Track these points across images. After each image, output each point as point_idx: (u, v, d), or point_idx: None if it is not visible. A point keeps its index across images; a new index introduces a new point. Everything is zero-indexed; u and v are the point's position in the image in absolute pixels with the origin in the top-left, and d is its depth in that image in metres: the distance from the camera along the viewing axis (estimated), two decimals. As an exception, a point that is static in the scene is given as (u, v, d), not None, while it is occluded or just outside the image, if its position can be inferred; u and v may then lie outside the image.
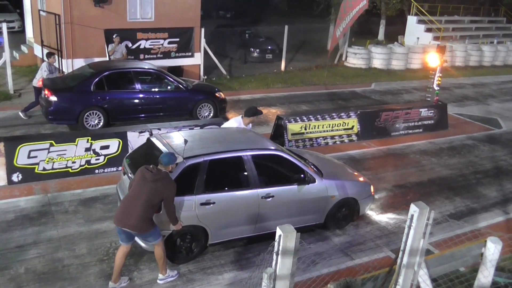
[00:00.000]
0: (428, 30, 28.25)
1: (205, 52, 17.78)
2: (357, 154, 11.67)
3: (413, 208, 4.78)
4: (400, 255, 4.93)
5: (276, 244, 3.97)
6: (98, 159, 9.45)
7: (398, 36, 29.05)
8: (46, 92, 11.29)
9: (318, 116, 11.87)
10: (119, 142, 9.59)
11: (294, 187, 7.42)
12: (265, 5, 41.69)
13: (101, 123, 11.61)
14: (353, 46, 23.55)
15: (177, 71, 16.67)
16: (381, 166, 11.07)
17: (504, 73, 24.99)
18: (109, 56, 14.75)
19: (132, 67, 12.55)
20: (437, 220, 8.71)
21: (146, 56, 16.19)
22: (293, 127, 11.42)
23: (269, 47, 22.44)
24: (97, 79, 11.60)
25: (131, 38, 15.71)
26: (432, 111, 13.69)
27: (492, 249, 5.88)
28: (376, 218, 8.64)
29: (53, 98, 11.21)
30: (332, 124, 12.00)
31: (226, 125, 8.99)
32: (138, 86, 12.10)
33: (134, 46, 15.84)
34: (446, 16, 31.67)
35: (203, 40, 17.41)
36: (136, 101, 12.05)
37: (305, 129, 11.60)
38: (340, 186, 7.90)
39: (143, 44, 16.08)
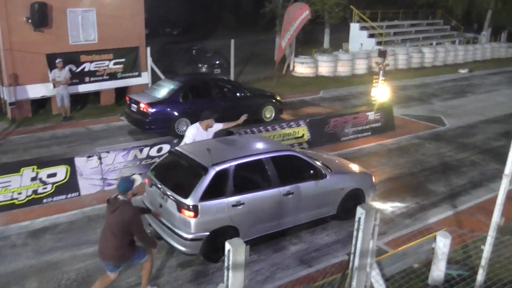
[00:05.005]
0: (371, 36, 29.19)
1: (153, 70, 17.65)
2: (310, 162, 11.82)
3: (360, 211, 4.90)
4: (351, 258, 5.03)
5: (226, 259, 3.98)
6: (46, 188, 9.14)
7: (343, 43, 29.83)
8: (143, 105, 12.66)
9: (269, 127, 11.98)
10: (67, 169, 9.32)
11: (309, 183, 8.10)
12: (212, 20, 41.85)
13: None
14: (299, 56, 23.94)
15: (124, 91, 16.53)
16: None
17: (444, 73, 26.05)
18: (53, 85, 14.40)
19: (209, 78, 14.81)
20: (388, 219, 8.95)
21: (92, 79, 15.91)
22: (244, 139, 11.45)
23: (217, 62, 22.52)
24: (183, 90, 13.24)
25: (75, 62, 15.38)
26: (379, 114, 14.08)
27: (442, 243, 6.10)
28: (331, 223, 8.74)
29: (151, 110, 12.66)
30: (283, 134, 12.13)
31: (187, 134, 8.95)
32: (215, 95, 13.78)
33: (78, 69, 15.53)
34: (387, 21, 32.83)
35: (149, 59, 17.27)
36: (215, 107, 12.83)
37: (257, 140, 11.65)
38: (347, 178, 8.77)
39: (88, 66, 15.77)
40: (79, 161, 9.49)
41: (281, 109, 15.29)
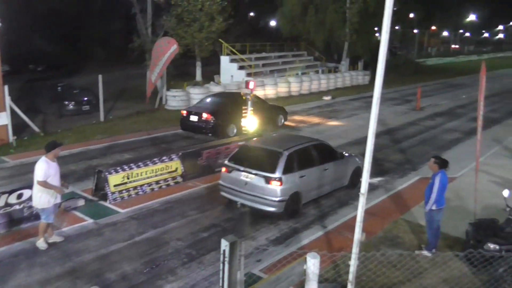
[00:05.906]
0: (241, 67, 30.25)
1: (13, 110, 16.35)
2: (184, 196, 11.71)
3: (224, 243, 4.92)
4: (220, 292, 5.00)
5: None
6: None
7: (214, 76, 30.50)
8: (206, 115, 16.91)
9: (140, 163, 11.65)
10: None
11: (335, 162, 11.64)
12: (80, 55, 40.31)
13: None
14: (171, 89, 23.89)
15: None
16: (208, 203, 11.24)
17: (310, 100, 27.80)
18: None
19: (243, 93, 18.06)
20: (261, 245, 9.12)
21: None
22: (115, 178, 11.00)
23: (85, 98, 21.68)
24: (229, 103, 18.02)
25: None
26: (251, 143, 14.52)
27: (312, 264, 6.32)
28: (207, 256, 8.68)
29: (213, 119, 16.89)
30: (156, 169, 11.88)
31: (39, 169, 8.44)
32: (245, 106, 17.03)
33: None
34: (256, 53, 34.36)
35: (7, 98, 15.97)
36: (245, 115, 17.12)
37: (128, 178, 11.26)
38: (353, 159, 12.39)
39: None
40: None
41: (286, 118, 20.42)
